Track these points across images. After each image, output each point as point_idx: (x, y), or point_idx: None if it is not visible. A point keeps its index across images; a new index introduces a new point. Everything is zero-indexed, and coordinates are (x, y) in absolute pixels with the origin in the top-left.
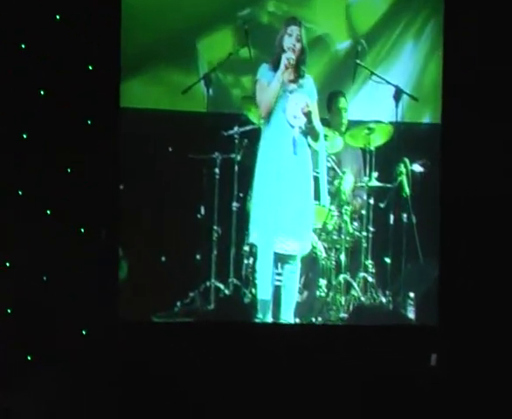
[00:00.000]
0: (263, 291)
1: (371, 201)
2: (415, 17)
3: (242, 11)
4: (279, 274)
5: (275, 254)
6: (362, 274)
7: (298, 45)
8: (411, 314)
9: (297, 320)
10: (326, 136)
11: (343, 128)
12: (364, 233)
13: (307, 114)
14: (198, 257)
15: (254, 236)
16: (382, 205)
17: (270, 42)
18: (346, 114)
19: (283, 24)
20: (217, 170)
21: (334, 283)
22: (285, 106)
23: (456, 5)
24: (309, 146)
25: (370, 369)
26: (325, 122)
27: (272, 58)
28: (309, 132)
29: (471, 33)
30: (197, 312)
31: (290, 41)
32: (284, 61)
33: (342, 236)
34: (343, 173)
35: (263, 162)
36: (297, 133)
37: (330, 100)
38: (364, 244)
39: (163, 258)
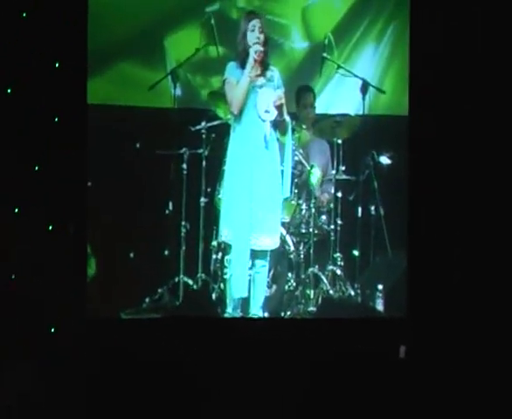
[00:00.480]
0: (239, 290)
1: (339, 194)
2: (376, 18)
3: (210, 7)
4: (249, 268)
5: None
6: (330, 267)
7: (262, 37)
8: (379, 306)
9: (266, 315)
10: (294, 130)
11: (311, 122)
12: (332, 226)
13: (280, 107)
14: (167, 252)
15: (225, 233)
16: (350, 198)
17: None
18: (314, 108)
19: (243, 20)
20: (184, 166)
21: (302, 276)
22: (255, 101)
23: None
24: (277, 140)
25: (339, 362)
26: (293, 116)
27: (237, 55)
28: (279, 125)
29: (438, 25)
30: (165, 308)
31: (254, 35)
32: (253, 55)
33: (311, 230)
34: (311, 166)
35: (234, 158)
36: (268, 127)
37: (298, 95)
38: (333, 237)
39: (132, 254)
